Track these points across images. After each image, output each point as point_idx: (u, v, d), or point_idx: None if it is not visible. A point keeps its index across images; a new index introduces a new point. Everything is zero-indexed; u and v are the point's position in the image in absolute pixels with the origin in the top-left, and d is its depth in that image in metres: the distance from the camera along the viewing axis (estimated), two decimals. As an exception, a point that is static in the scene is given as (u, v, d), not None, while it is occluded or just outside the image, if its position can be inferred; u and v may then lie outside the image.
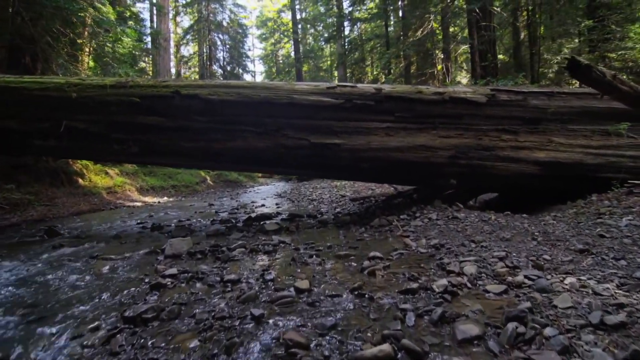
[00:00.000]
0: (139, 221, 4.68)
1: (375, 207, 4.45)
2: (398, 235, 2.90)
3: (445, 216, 3.15)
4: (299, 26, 31.90)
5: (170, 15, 27.58)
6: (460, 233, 2.64)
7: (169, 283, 1.91)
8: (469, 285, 1.62)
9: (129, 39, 10.39)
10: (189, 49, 27.74)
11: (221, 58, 26.13)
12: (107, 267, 2.37)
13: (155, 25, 19.30)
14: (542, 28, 13.00)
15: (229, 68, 26.79)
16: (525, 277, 1.61)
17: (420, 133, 3.49)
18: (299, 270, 2.05)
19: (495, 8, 10.47)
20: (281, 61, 37.27)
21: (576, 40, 12.64)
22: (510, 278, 1.64)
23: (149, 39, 18.19)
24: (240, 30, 28.53)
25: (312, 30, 32.62)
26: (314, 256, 2.34)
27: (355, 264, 2.12)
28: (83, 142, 3.49)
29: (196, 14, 24.27)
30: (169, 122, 3.46)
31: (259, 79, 44.87)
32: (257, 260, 2.37)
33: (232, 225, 3.88)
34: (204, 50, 23.43)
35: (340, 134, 3.46)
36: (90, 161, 7.69)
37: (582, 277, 1.61)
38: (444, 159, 3.46)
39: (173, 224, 4.26)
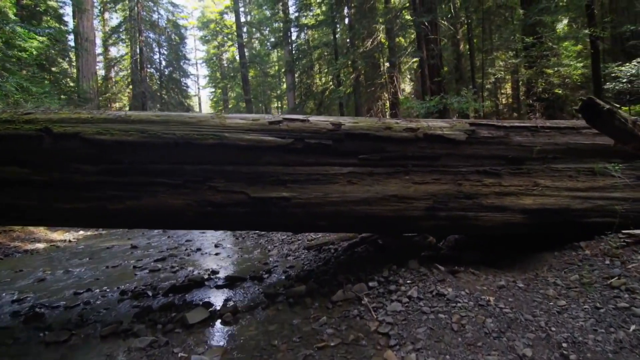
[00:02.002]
0: (15, 297, 3.38)
1: (335, 259, 3.65)
2: (373, 331, 2.13)
3: (428, 292, 2.44)
4: (244, 29, 30.52)
5: (98, 12, 24.73)
6: (457, 335, 1.93)
7: None
8: None
9: (40, 39, 8.59)
10: (121, 50, 24.99)
11: (157, 60, 23.89)
12: None
13: (78, 23, 16.88)
14: (482, 42, 13.38)
15: (167, 72, 24.60)
16: None
17: (390, 179, 2.77)
18: None
19: (443, 21, 10.42)
20: (226, 65, 35.42)
21: (510, 54, 13.23)
22: None
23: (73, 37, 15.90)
24: (178, 31, 26.43)
25: (258, 34, 31.38)
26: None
27: None
28: None
29: (128, 11, 21.83)
30: (36, 175, 2.34)
31: (203, 82, 42.40)
32: None
33: (144, 306, 2.83)
34: (137, 52, 21.13)
35: (289, 183, 2.60)
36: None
37: None
38: (421, 212, 2.77)
39: (62, 304, 3.07)
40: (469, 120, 3.01)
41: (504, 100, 16.94)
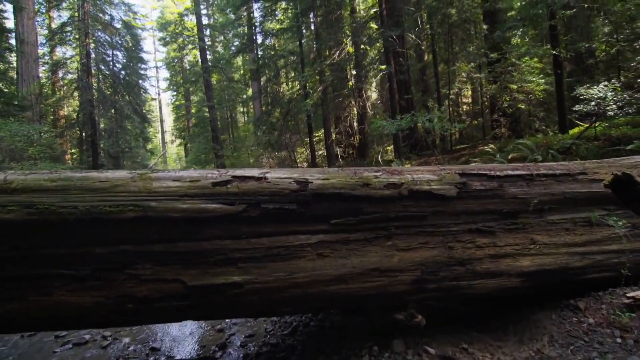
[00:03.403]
0: None
1: (303, 328, 3.06)
2: None
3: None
4: (207, 32, 29.23)
5: (44, 9, 22.50)
6: None
7: None
8: None
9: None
10: (68, 51, 22.82)
11: (111, 63, 22.04)
12: None
13: (17, 22, 15.07)
14: (448, 54, 13.44)
15: (122, 75, 22.78)
16: None
17: (370, 247, 2.24)
18: None
19: (410, 35, 10.25)
20: (188, 67, 33.70)
21: (472, 65, 13.42)
22: None
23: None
24: (134, 32, 24.63)
25: (222, 37, 30.10)
26: None
27: None
28: None
29: (76, 10, 19.91)
30: None
31: (164, 85, 40.16)
32: None
33: None
34: (85, 55, 19.32)
35: (242, 262, 2.00)
36: None
37: None
38: (407, 286, 2.27)
39: None
40: (459, 168, 2.56)
41: (465, 107, 17.31)
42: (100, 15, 20.78)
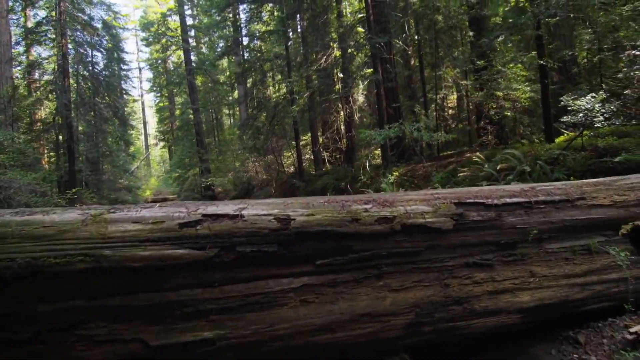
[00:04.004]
0: None
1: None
2: None
3: None
4: (192, 33, 28.61)
5: (20, 7, 21.53)
6: None
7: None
8: None
9: None
10: (46, 51, 21.86)
11: (90, 64, 21.21)
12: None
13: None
14: (435, 61, 13.43)
15: (102, 76, 21.94)
16: None
17: (359, 289, 2.02)
18: None
19: (397, 42, 10.15)
20: (172, 68, 32.88)
21: (457, 70, 13.46)
22: None
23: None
24: (115, 32, 23.80)
25: (207, 38, 29.45)
26: None
27: None
28: None
29: (54, 7, 19.07)
30: None
31: (147, 86, 39.14)
32: None
33: None
34: (63, 55, 18.55)
35: (214, 314, 1.74)
36: None
37: None
38: (400, 330, 2.06)
39: None
40: (454, 194, 2.36)
41: (450, 111, 17.39)
42: (80, 14, 20.01)
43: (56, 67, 18.20)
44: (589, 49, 10.82)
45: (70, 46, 19.49)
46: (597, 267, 2.64)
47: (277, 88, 20.62)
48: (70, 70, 19.07)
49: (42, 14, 21.24)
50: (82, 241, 1.58)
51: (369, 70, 12.17)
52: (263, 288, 1.85)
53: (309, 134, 18.34)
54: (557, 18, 8.50)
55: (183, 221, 1.73)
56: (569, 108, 6.13)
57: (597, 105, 5.81)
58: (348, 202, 2.08)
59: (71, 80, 19.67)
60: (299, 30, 14.56)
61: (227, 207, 1.85)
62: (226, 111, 31.53)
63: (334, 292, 1.97)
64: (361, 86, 17.47)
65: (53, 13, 18.52)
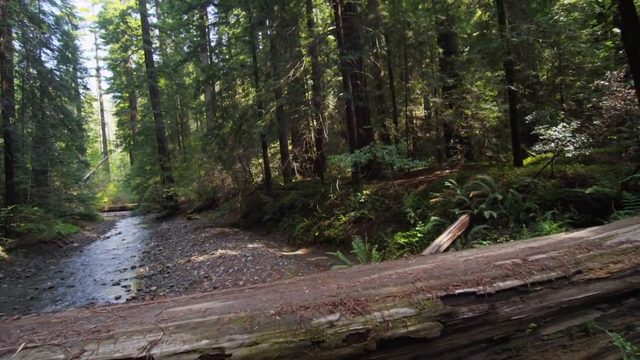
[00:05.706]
0: None
1: None
2: None
3: None
4: (156, 32, 27.07)
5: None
6: None
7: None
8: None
9: None
10: (-17, 46, 19.59)
11: (38, 62, 19.27)
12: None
13: None
14: (405, 76, 13.33)
15: (53, 76, 20.00)
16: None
17: None
18: None
19: (369, 58, 9.85)
20: (134, 67, 30.82)
21: (425, 82, 13.48)
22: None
23: None
24: (69, 27, 21.85)
25: (173, 37, 27.86)
26: None
27: None
28: None
29: (-6, 0, 17.11)
30: None
31: (106, 86, 36.59)
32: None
33: None
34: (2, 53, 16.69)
35: None
36: None
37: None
38: None
39: None
40: (440, 282, 1.93)
41: (418, 122, 17.50)
42: (31, 8, 18.18)
43: (-2, 61, 16.31)
44: (550, 69, 11.14)
45: (16, 43, 17.69)
46: (595, 352, 2.31)
47: (244, 92, 19.80)
48: (16, 69, 17.28)
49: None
50: None
51: (340, 79, 11.85)
52: None
53: (279, 142, 17.69)
54: (522, 41, 8.55)
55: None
56: (541, 137, 6.02)
57: (567, 135, 5.74)
58: (307, 314, 1.57)
59: (17, 81, 17.86)
60: (269, 34, 13.97)
61: (129, 343, 1.28)
62: (193, 115, 30.11)
63: None
64: (332, 96, 17.15)
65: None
